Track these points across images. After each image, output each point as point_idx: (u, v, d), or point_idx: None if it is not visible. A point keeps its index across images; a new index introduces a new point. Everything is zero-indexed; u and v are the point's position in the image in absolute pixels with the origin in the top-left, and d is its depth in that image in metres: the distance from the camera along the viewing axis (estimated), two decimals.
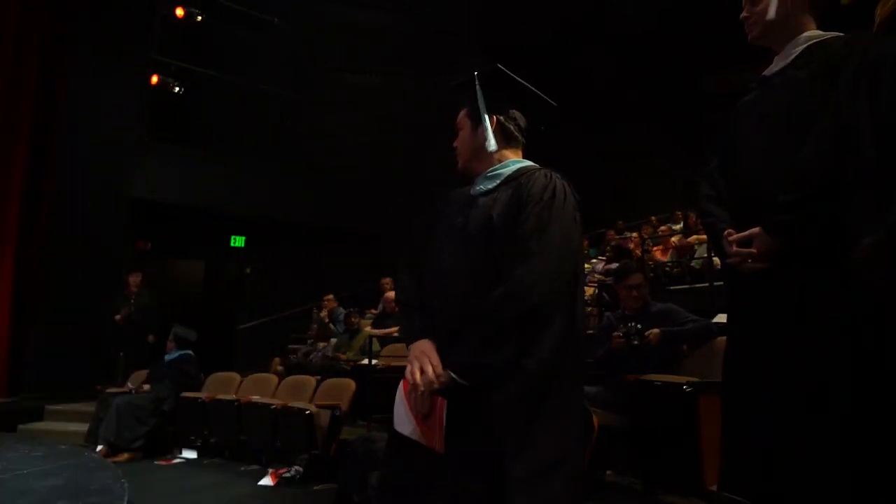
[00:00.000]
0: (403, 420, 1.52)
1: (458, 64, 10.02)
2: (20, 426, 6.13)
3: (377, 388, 4.69)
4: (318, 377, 5.50)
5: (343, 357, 6.51)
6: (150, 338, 7.22)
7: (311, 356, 7.06)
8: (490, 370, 1.41)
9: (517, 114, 1.69)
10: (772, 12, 1.63)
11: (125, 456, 5.20)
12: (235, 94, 9.59)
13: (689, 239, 8.13)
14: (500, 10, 10.61)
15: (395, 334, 6.06)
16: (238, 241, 10.31)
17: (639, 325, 3.25)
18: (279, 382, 5.63)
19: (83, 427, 5.81)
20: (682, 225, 9.24)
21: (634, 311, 3.53)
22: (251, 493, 4.20)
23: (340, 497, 3.44)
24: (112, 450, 5.21)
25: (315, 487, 4.27)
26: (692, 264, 7.61)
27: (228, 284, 10.79)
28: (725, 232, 1.62)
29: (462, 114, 1.73)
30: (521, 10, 10.48)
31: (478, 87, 1.63)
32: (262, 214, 9.76)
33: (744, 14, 1.72)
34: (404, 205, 8.17)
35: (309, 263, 10.11)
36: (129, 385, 5.96)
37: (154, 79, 8.84)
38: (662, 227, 9.83)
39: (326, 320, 8.10)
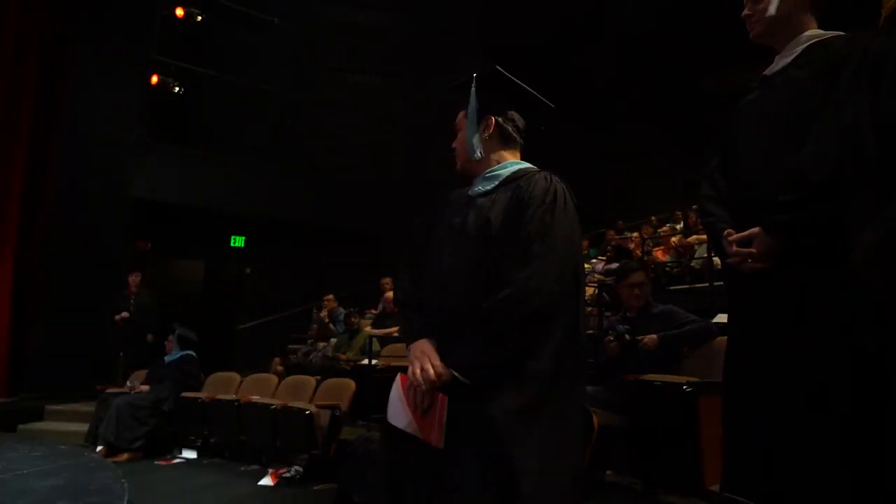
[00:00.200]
0: (399, 414, 1.53)
1: (458, 64, 10.04)
2: (20, 426, 6.12)
3: (377, 388, 4.68)
4: (318, 377, 5.50)
5: (343, 357, 6.51)
6: (150, 337, 7.23)
7: (311, 356, 7.06)
8: (492, 370, 1.42)
9: (515, 115, 1.69)
10: (773, 9, 1.63)
11: (125, 456, 5.20)
12: (235, 94, 9.59)
13: (689, 239, 8.13)
14: (500, 10, 10.61)
15: (395, 334, 6.06)
16: (238, 241, 10.32)
17: (627, 327, 3.26)
18: (279, 382, 5.63)
19: (83, 427, 5.81)
20: (682, 225, 9.24)
21: (636, 310, 3.52)
22: (251, 493, 4.20)
23: (340, 497, 3.44)
24: (112, 450, 5.21)
25: (315, 487, 4.27)
26: (692, 264, 7.60)
27: (228, 284, 10.80)
28: (725, 232, 1.62)
29: (461, 115, 1.73)
30: (521, 10, 10.48)
31: (474, 89, 1.64)
32: (262, 214, 9.76)
33: (745, 12, 1.72)
34: (404, 205, 8.17)
35: (309, 263, 10.12)
36: (129, 385, 5.96)
37: (154, 79, 8.84)
38: (664, 228, 9.82)
39: (326, 320, 8.11)
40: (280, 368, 7.08)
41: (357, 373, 5.35)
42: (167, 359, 6.03)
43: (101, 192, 7.99)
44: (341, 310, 8.03)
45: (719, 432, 1.65)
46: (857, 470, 1.32)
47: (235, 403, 5.07)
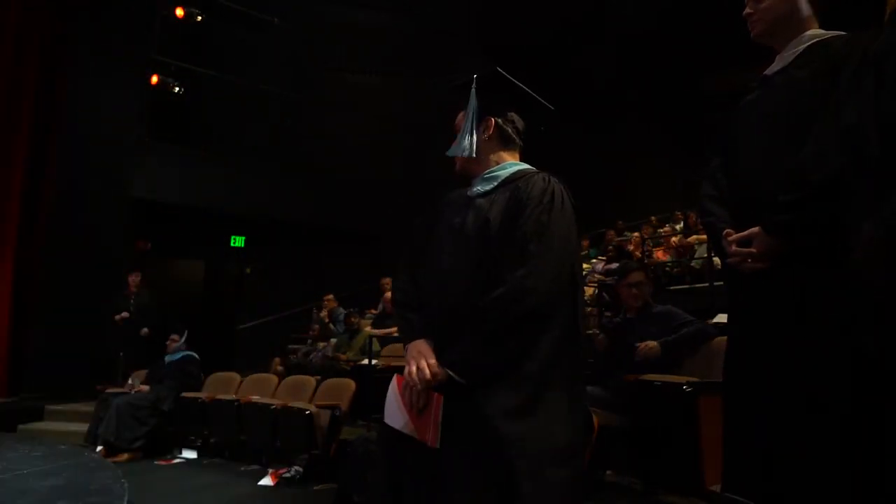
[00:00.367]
0: (395, 414, 1.53)
1: (458, 64, 10.04)
2: (20, 426, 6.12)
3: (377, 388, 4.65)
4: (318, 377, 5.50)
5: (343, 357, 6.51)
6: (144, 331, 7.19)
7: (311, 356, 7.06)
8: (488, 370, 1.43)
9: (515, 116, 1.70)
10: (775, 7, 1.63)
11: (125, 456, 5.20)
12: (235, 94, 9.59)
13: (689, 239, 8.13)
14: (500, 10, 10.61)
15: (395, 334, 6.06)
16: (238, 241, 10.32)
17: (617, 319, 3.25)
18: (279, 382, 5.62)
19: (83, 427, 5.81)
20: (682, 225, 9.24)
21: (635, 310, 3.53)
22: (251, 493, 4.20)
23: (340, 497, 3.44)
24: (112, 450, 5.21)
25: (315, 487, 4.27)
26: (692, 264, 7.60)
27: (228, 284, 10.80)
28: (725, 232, 1.62)
29: (460, 116, 1.73)
30: (521, 10, 10.48)
31: (474, 90, 1.64)
32: (262, 214, 9.76)
33: (747, 10, 1.72)
34: (404, 205, 8.16)
35: (309, 263, 10.12)
36: (130, 384, 5.96)
37: (154, 79, 8.84)
38: (665, 228, 9.82)
39: (326, 320, 8.11)
40: (280, 368, 7.08)
41: (357, 373, 5.35)
42: (168, 359, 6.03)
43: (101, 192, 7.99)
44: (341, 310, 8.03)
45: (719, 432, 1.65)
46: (857, 470, 1.32)
47: (235, 403, 5.07)
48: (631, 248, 8.81)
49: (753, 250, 1.52)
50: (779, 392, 1.46)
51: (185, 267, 10.83)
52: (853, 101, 1.35)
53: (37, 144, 7.52)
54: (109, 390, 6.01)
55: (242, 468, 4.84)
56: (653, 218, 10.25)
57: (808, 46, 1.62)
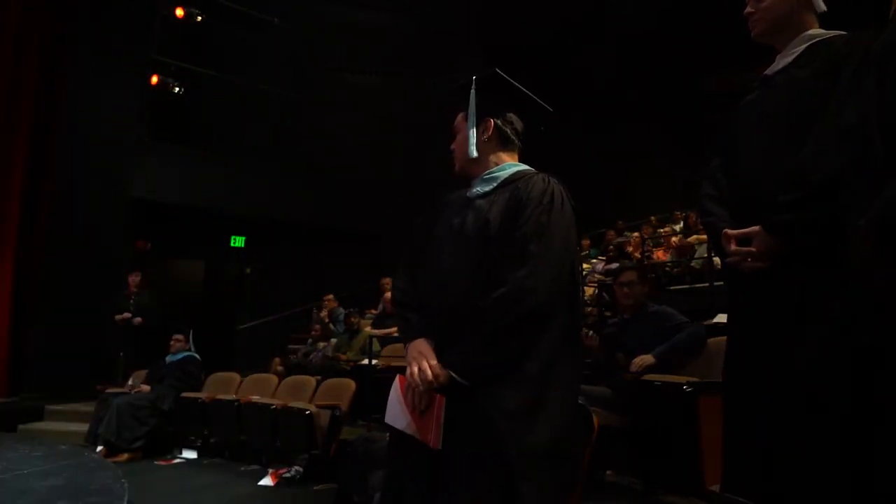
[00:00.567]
0: (398, 415, 1.54)
1: (458, 64, 10.06)
2: (20, 426, 6.12)
3: (377, 388, 4.66)
4: (318, 377, 5.50)
5: (343, 357, 6.52)
6: (137, 320, 7.15)
7: (311, 356, 7.06)
8: (489, 370, 1.43)
9: (514, 117, 1.70)
10: (776, 6, 1.63)
11: (125, 456, 5.19)
12: (235, 94, 9.59)
13: (689, 239, 8.12)
14: (500, 10, 10.61)
15: (395, 334, 6.06)
16: (238, 241, 10.32)
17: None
18: (279, 382, 5.63)
19: (83, 427, 5.81)
20: (682, 225, 9.24)
21: (630, 310, 3.53)
22: (251, 493, 4.20)
23: (340, 497, 3.44)
24: (112, 450, 5.20)
25: (315, 487, 4.27)
26: (692, 264, 7.60)
27: (228, 284, 10.80)
28: (724, 229, 1.62)
29: (460, 117, 1.74)
30: (521, 10, 10.48)
31: (473, 91, 1.64)
32: (262, 214, 9.76)
33: (748, 9, 1.72)
34: (404, 205, 8.17)
35: (309, 263, 10.12)
36: (130, 384, 5.96)
37: (154, 79, 8.85)
38: (665, 228, 9.82)
39: (326, 320, 8.11)
40: (280, 368, 7.07)
41: (357, 373, 5.35)
42: (169, 359, 6.03)
43: (101, 192, 7.99)
44: (341, 310, 8.03)
45: (719, 432, 1.65)
46: (857, 470, 1.32)
47: (235, 403, 5.07)
48: (631, 248, 8.81)
49: (753, 249, 1.52)
50: (779, 392, 1.46)
51: (185, 267, 10.83)
52: (854, 100, 1.35)
53: (37, 144, 7.51)
54: (109, 390, 6.01)
55: (242, 468, 4.84)
56: (653, 218, 10.25)
57: (809, 46, 1.62)
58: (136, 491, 3.22)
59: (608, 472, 3.35)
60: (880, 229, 1.14)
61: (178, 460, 5.27)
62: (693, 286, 7.23)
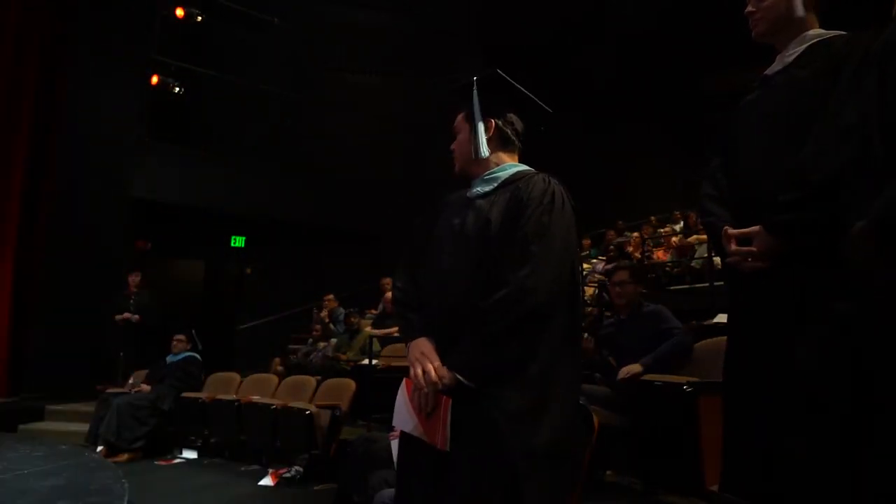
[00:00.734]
0: (405, 417, 1.54)
1: (458, 64, 10.06)
2: (20, 426, 6.12)
3: (377, 388, 4.69)
4: (318, 377, 5.50)
5: (343, 357, 6.51)
6: (135, 318, 7.13)
7: (311, 356, 7.06)
8: (492, 371, 1.43)
9: (514, 118, 1.71)
10: (777, 6, 1.63)
11: (125, 456, 5.20)
12: (235, 94, 9.59)
13: (689, 239, 8.13)
14: (500, 10, 10.61)
15: (396, 334, 6.06)
16: (238, 241, 10.32)
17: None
18: (279, 382, 5.63)
19: (83, 427, 5.81)
20: (682, 225, 9.24)
21: (626, 310, 3.54)
22: (251, 493, 4.20)
23: (340, 497, 3.43)
24: (112, 450, 5.21)
25: (315, 487, 4.27)
26: (692, 264, 7.60)
27: (228, 284, 10.80)
28: (724, 228, 1.62)
29: (460, 117, 1.74)
30: (521, 10, 10.48)
31: (475, 92, 1.64)
32: (262, 214, 9.76)
33: (749, 9, 1.72)
34: (404, 205, 8.17)
35: (309, 263, 10.12)
36: (131, 384, 5.96)
37: (154, 79, 8.84)
38: (665, 228, 9.82)
39: (327, 320, 8.11)
40: (280, 368, 7.08)
41: (357, 373, 5.35)
42: (170, 359, 6.03)
43: (101, 192, 7.99)
44: (341, 310, 8.02)
45: (719, 432, 1.65)
46: (857, 470, 1.32)
47: (235, 403, 5.07)
48: (631, 248, 8.81)
49: (754, 249, 1.52)
50: (779, 392, 1.46)
51: (185, 267, 10.83)
52: (854, 100, 1.35)
53: (37, 144, 7.52)
54: (110, 390, 6.01)
55: (242, 468, 4.84)
56: (653, 218, 10.25)
57: (810, 46, 1.62)
58: (136, 491, 3.22)
59: (608, 472, 3.35)
60: (880, 229, 1.15)
61: (178, 460, 5.27)
62: (693, 286, 7.23)
